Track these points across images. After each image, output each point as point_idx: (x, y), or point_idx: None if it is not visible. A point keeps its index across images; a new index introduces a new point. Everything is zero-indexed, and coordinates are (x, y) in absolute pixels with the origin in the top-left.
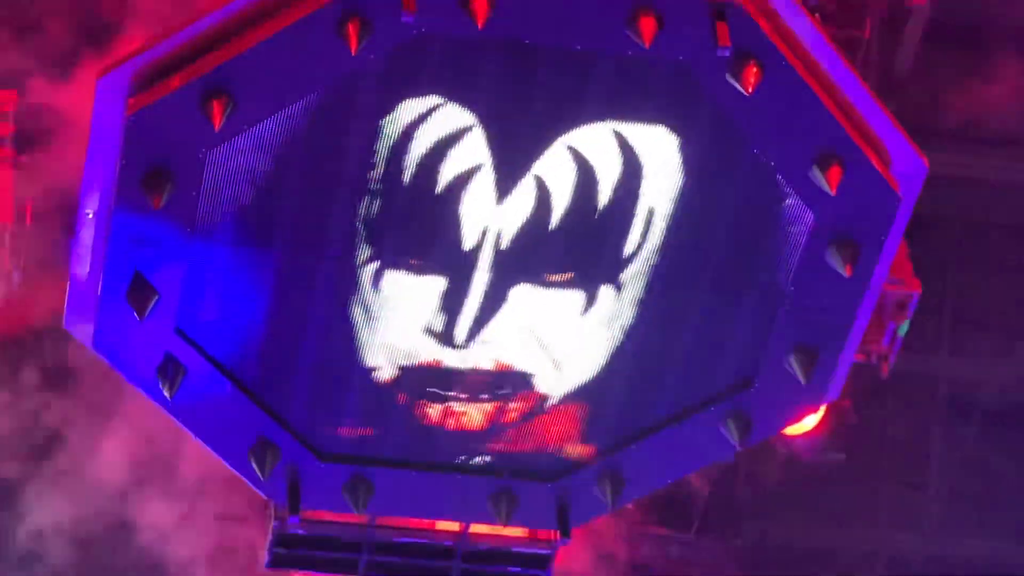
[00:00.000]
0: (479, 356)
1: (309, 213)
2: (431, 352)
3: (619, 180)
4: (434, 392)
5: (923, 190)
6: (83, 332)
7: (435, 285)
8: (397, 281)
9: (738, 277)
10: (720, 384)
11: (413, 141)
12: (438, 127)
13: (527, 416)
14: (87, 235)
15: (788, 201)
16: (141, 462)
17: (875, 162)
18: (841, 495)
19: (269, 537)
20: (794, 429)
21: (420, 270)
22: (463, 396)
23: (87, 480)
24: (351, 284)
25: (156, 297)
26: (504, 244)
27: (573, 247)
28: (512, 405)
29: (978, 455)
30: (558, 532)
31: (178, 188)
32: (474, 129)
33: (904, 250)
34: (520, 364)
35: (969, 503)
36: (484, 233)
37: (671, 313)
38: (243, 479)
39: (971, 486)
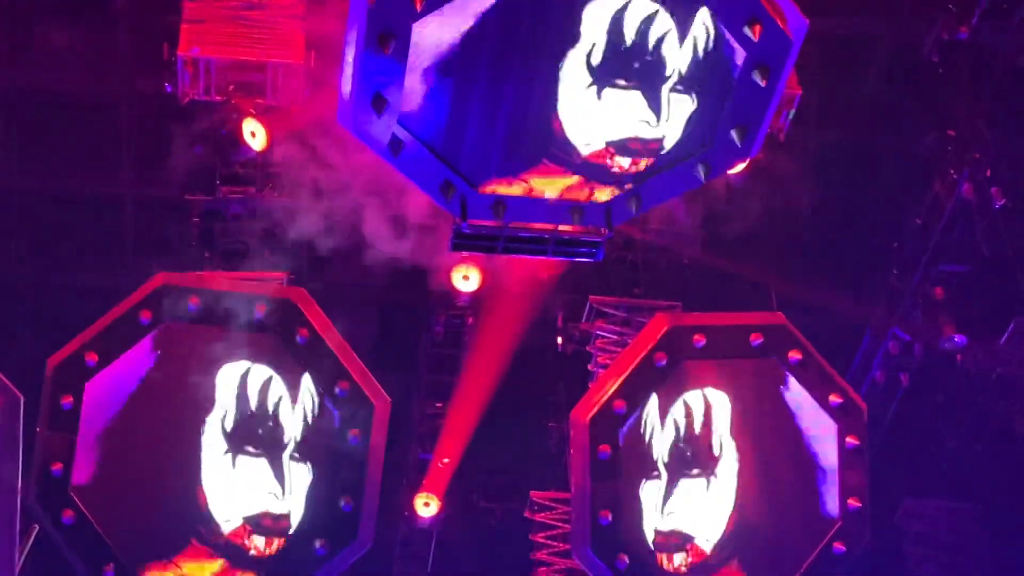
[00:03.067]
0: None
1: (468, 54)
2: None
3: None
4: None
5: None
6: (348, 124)
7: None
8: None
9: (709, 86)
10: (694, 146)
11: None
12: None
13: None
14: (348, 70)
15: (732, 44)
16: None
17: (778, 21)
18: None
19: (452, 234)
20: (732, 171)
21: None
22: (559, 156)
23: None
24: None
25: (386, 103)
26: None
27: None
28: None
29: None
30: (606, 228)
31: (398, 42)
32: None
33: (793, 71)
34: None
35: None
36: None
37: (679, 110)
38: (436, 202)
39: None
